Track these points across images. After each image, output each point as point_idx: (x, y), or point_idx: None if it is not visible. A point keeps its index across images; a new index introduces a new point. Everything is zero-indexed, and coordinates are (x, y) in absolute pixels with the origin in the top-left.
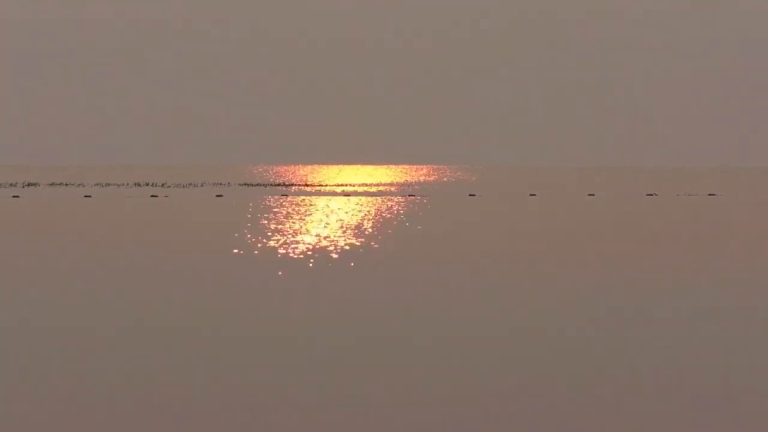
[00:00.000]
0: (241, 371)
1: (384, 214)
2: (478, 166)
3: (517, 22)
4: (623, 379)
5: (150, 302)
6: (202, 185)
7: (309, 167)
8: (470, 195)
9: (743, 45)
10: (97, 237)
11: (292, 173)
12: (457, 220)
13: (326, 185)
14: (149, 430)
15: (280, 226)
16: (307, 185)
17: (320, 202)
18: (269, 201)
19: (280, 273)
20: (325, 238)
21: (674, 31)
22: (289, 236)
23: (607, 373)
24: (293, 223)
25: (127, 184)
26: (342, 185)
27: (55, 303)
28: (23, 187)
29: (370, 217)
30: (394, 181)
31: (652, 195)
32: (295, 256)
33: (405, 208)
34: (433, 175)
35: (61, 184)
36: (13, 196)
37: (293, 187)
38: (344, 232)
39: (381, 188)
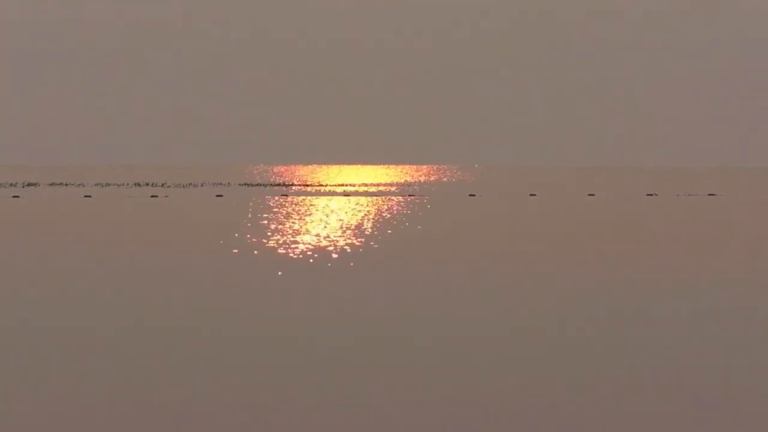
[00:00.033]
0: (241, 371)
1: (384, 214)
2: (478, 166)
3: (517, 22)
4: (623, 379)
5: (150, 302)
6: (202, 185)
7: (309, 167)
8: (470, 195)
9: (743, 45)
10: (97, 237)
11: (292, 173)
12: (457, 220)
13: (326, 185)
14: (149, 430)
15: (280, 226)
16: (307, 185)
17: (320, 202)
18: (269, 201)
19: (280, 273)
20: (325, 238)
21: (674, 31)
22: (289, 236)
23: (607, 373)
24: (293, 223)
25: (127, 184)
26: (342, 185)
27: (55, 303)
28: (23, 187)
29: (370, 217)
30: (394, 181)
31: (652, 195)
32: (295, 256)
33: (405, 208)
34: (433, 175)
35: (61, 184)
36: (13, 196)
37: (293, 187)
38: (344, 232)
39: (381, 188)
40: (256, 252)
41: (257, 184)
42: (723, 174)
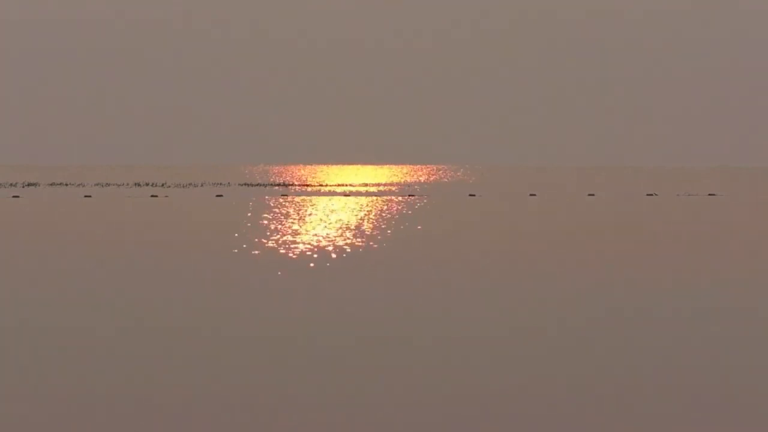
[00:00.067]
0: (241, 371)
1: (384, 214)
2: (478, 166)
3: (517, 22)
4: (623, 379)
5: (150, 302)
6: (202, 185)
7: (309, 167)
8: (470, 195)
9: (743, 45)
10: (97, 237)
11: (292, 173)
12: (457, 220)
13: (326, 185)
14: (149, 430)
15: (280, 226)
16: (307, 185)
17: (320, 202)
18: (269, 201)
19: (280, 273)
20: (325, 238)
21: (674, 31)
22: (289, 236)
23: (607, 373)
24: (293, 223)
25: (127, 184)
26: (342, 185)
27: (55, 303)
28: (23, 187)
29: (370, 217)
30: (394, 181)
31: (652, 195)
32: (295, 256)
33: (405, 208)
34: (433, 175)
35: (61, 184)
36: (13, 196)
37: (293, 187)
38: (344, 232)
39: (381, 188)
40: (256, 252)
41: (257, 184)
42: (723, 174)
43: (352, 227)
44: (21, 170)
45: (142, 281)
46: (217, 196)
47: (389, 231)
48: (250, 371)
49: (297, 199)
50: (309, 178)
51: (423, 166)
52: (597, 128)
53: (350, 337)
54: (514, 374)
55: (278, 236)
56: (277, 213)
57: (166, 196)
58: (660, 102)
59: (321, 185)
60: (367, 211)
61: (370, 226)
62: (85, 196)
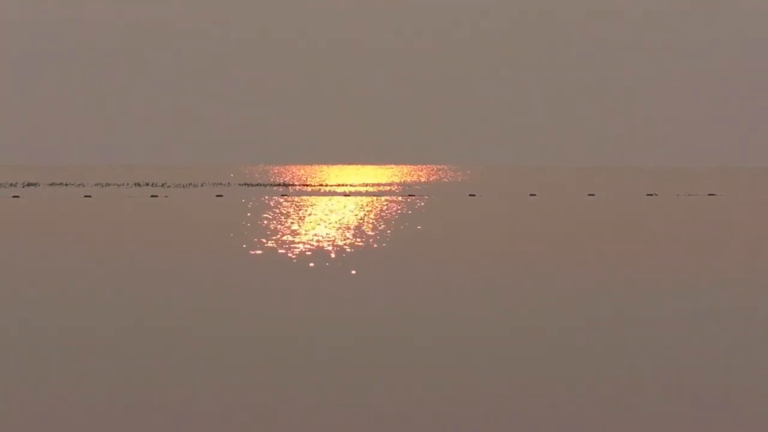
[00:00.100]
0: (241, 371)
1: (384, 214)
2: (478, 166)
3: (517, 22)
4: (623, 379)
5: (150, 302)
6: (202, 185)
7: (309, 167)
8: (470, 195)
9: (743, 45)
10: (97, 237)
11: (292, 173)
12: (457, 220)
13: (326, 185)
14: (149, 430)
15: (279, 226)
16: (307, 185)
17: (320, 202)
18: (269, 201)
19: (280, 273)
20: (325, 238)
21: (674, 31)
22: (289, 236)
23: (607, 373)
24: (293, 223)
25: (127, 184)
26: (342, 185)
27: (55, 303)
28: (23, 187)
29: (370, 217)
30: (394, 181)
31: (652, 195)
32: (295, 256)
33: (405, 208)
34: (433, 175)
35: (61, 184)
36: (13, 196)
37: (293, 187)
38: (344, 232)
39: (381, 188)
40: (255, 252)
41: (257, 184)
42: (723, 174)
43: (352, 227)
44: (21, 170)
45: (142, 281)
46: (217, 196)
47: (389, 231)
48: (250, 371)
49: (297, 199)
50: (309, 178)
51: (423, 166)
52: (597, 128)
53: (350, 337)
54: (514, 374)
55: (278, 236)
56: (277, 213)
57: (166, 196)
58: (660, 102)
59: (321, 185)
60: (367, 211)
61: (370, 226)
62: (85, 196)
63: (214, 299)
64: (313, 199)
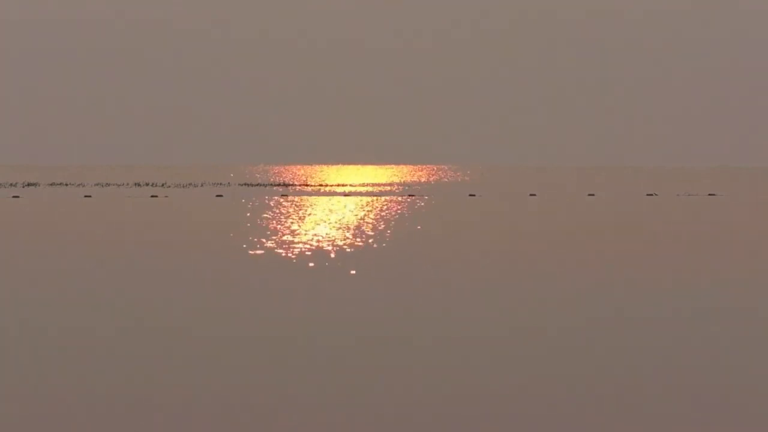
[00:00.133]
0: (241, 371)
1: (384, 214)
2: (478, 166)
3: (517, 22)
4: (623, 379)
5: (150, 302)
6: (202, 185)
7: (309, 167)
8: (470, 195)
9: (743, 45)
10: (97, 237)
11: (292, 173)
12: (457, 220)
13: (326, 185)
14: (149, 430)
15: (280, 226)
16: (307, 185)
17: (320, 202)
18: (269, 201)
19: (280, 273)
20: (325, 238)
21: (674, 31)
22: (289, 236)
23: (607, 373)
24: (293, 223)
25: (127, 184)
26: (342, 185)
27: (55, 303)
28: (23, 187)
29: (370, 217)
30: (394, 181)
31: (652, 195)
32: (295, 256)
33: (405, 208)
34: (433, 175)
35: (61, 184)
36: (13, 196)
37: (293, 187)
38: (344, 232)
39: (381, 188)
40: (255, 252)
41: (257, 184)
42: (723, 174)
43: (352, 227)
44: (21, 170)
45: (142, 281)
46: (217, 196)
47: (389, 231)
48: (250, 371)
49: (297, 199)
50: (309, 178)
51: (423, 166)
52: (597, 128)
53: (350, 337)
54: (514, 374)
55: (278, 236)
56: (277, 213)
57: (166, 196)
58: (660, 102)
59: (321, 185)
60: (367, 211)
61: (370, 226)
62: (85, 196)
63: (214, 299)
64: (313, 199)
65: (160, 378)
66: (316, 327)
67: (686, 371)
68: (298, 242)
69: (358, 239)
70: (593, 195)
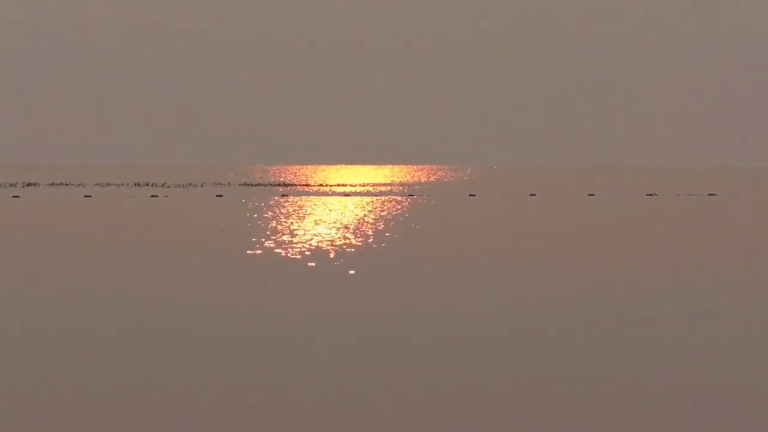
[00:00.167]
0: (241, 371)
1: (384, 214)
2: (478, 166)
3: (517, 22)
4: (623, 379)
5: (150, 302)
6: (202, 185)
7: (309, 167)
8: (470, 195)
9: (743, 45)
10: (97, 237)
11: (292, 173)
12: (457, 220)
13: (326, 185)
14: (149, 430)
15: (279, 226)
16: (307, 185)
17: (320, 202)
18: (269, 201)
19: (280, 273)
20: (325, 238)
21: (674, 31)
22: (289, 236)
23: (607, 373)
24: (293, 223)
25: (127, 184)
26: (342, 185)
27: (55, 303)
28: (23, 187)
29: (370, 217)
30: (394, 181)
31: (652, 195)
32: (295, 256)
33: (405, 208)
34: (433, 175)
35: (61, 184)
36: (13, 196)
37: (293, 187)
38: (344, 232)
39: (381, 188)
40: (255, 252)
41: (257, 184)
42: (723, 174)
43: (352, 227)
44: (21, 170)
45: (142, 281)
46: (217, 196)
47: (389, 231)
48: (250, 371)
49: (297, 199)
50: (309, 178)
51: (423, 166)
52: (597, 128)
53: (350, 337)
54: (514, 374)
55: (278, 236)
56: (277, 213)
57: (166, 196)
58: (660, 102)
59: (321, 185)
60: (367, 211)
61: (370, 226)
62: (85, 196)
63: (214, 299)
64: (313, 199)
65: (160, 378)
66: (316, 327)
67: (686, 371)
68: (298, 242)
69: (358, 239)
70: (593, 195)
